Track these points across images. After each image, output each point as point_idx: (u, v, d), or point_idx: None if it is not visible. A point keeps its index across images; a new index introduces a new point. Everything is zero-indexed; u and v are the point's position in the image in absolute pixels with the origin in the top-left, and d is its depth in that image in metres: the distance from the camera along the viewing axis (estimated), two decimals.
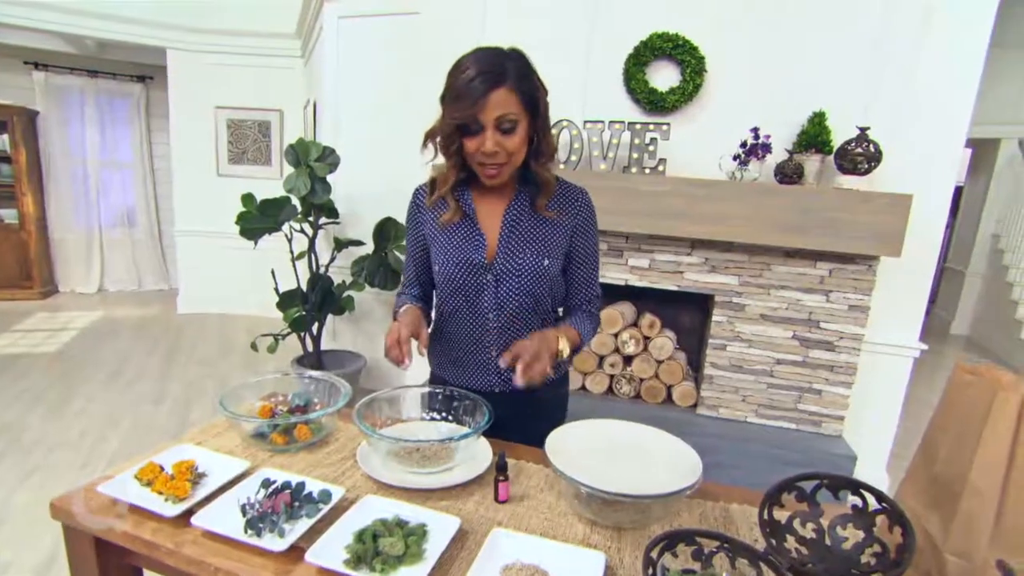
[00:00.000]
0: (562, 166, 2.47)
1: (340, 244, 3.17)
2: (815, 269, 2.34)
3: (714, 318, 2.49)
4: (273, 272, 3.24)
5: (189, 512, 0.83)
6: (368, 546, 0.75)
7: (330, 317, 3.43)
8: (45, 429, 2.78)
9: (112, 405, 3.10)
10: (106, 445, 2.66)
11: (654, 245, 2.49)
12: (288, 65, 4.65)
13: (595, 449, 0.99)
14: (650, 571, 0.68)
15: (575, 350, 1.15)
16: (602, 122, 2.45)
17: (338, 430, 1.16)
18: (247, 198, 3.03)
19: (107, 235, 5.72)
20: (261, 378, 1.22)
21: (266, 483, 0.88)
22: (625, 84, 2.53)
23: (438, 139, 1.07)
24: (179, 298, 5.14)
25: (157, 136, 5.69)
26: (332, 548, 0.76)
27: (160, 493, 0.87)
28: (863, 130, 2.15)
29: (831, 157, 2.25)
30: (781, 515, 0.79)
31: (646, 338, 2.65)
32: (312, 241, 3.16)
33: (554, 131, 2.38)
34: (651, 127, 2.38)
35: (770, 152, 2.27)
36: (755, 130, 2.28)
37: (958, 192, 5.94)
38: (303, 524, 0.81)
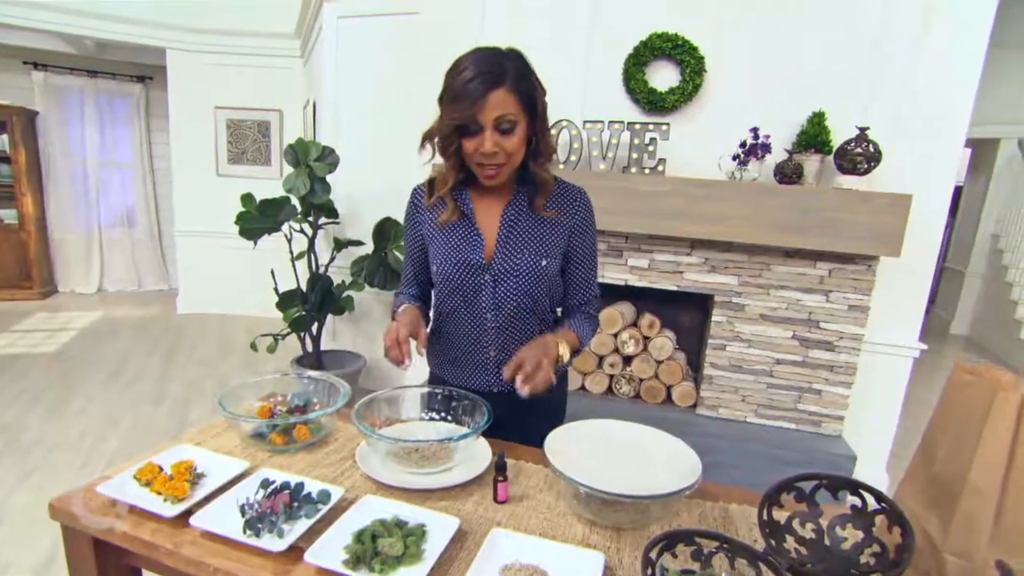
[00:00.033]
0: (561, 166, 2.47)
1: (340, 244, 3.17)
2: (815, 269, 2.34)
3: (714, 318, 2.49)
4: (273, 272, 3.24)
5: (188, 512, 0.83)
6: (367, 546, 0.75)
7: (330, 317, 3.43)
8: (44, 429, 2.77)
9: (111, 405, 3.10)
10: (105, 445, 2.66)
11: (653, 245, 2.49)
12: (288, 65, 4.65)
13: (594, 449, 0.99)
14: (649, 571, 0.68)
15: (574, 353, 1.15)
16: (601, 122, 2.45)
17: (337, 430, 1.16)
18: (247, 198, 3.03)
19: (107, 235, 5.71)
20: (260, 378, 1.21)
21: (265, 483, 0.88)
22: (625, 84, 2.53)
23: (436, 140, 1.07)
24: (179, 298, 5.14)
25: (157, 136, 5.69)
26: (331, 548, 0.75)
27: (159, 493, 0.87)
28: (863, 130, 2.15)
29: (831, 157, 2.25)
30: (780, 515, 0.79)
31: (646, 338, 2.65)
32: (312, 241, 3.16)
33: (553, 131, 2.41)
34: (651, 127, 2.38)
35: (770, 152, 2.27)
36: (755, 130, 2.28)
37: (958, 192, 5.95)
38: (302, 524, 0.81)
